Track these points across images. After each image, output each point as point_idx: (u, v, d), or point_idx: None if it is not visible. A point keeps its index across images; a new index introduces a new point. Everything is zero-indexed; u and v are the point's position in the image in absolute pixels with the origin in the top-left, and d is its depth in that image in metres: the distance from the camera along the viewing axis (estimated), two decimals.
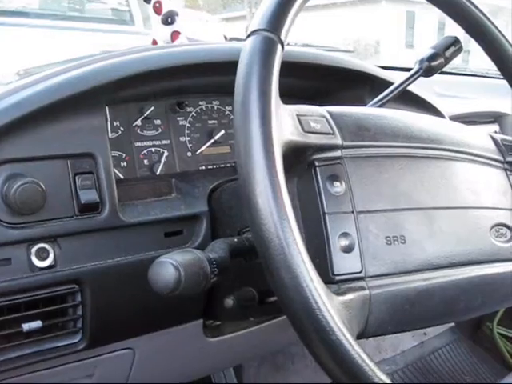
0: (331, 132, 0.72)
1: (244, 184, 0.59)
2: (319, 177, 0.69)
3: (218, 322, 1.08)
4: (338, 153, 0.71)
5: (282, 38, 0.64)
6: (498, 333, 2.09)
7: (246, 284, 0.86)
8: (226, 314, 0.97)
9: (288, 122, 0.66)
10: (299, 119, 0.68)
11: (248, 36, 0.65)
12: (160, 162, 1.02)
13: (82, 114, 0.85)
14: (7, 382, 0.86)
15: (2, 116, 0.80)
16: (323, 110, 0.74)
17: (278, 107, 0.62)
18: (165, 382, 1.13)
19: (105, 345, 0.93)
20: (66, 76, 0.86)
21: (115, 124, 0.99)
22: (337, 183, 0.69)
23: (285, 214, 0.57)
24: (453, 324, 2.08)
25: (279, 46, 0.64)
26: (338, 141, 0.72)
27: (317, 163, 0.70)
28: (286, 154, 0.62)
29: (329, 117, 0.73)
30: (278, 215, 0.57)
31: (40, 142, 0.82)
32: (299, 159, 0.70)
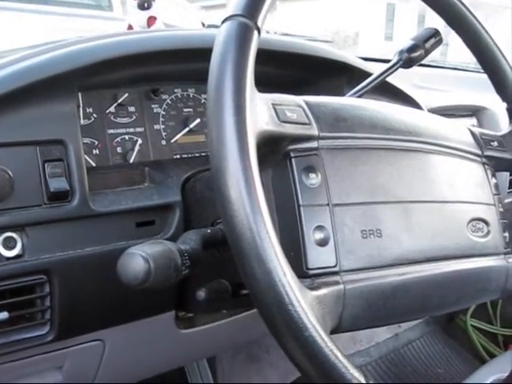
0: (308, 122, 0.70)
1: (216, 174, 0.57)
2: (294, 168, 0.67)
3: (191, 314, 1.06)
4: (314, 144, 0.70)
5: (259, 24, 0.62)
6: (472, 325, 2.10)
7: (219, 276, 0.84)
8: (199, 306, 0.95)
9: (263, 111, 0.64)
10: (275, 108, 0.66)
11: (223, 21, 0.63)
12: (133, 150, 1.00)
13: (52, 99, 0.82)
14: None
15: None
16: (300, 99, 0.72)
17: (253, 95, 0.60)
18: (136, 373, 1.12)
19: (74, 336, 0.90)
20: (37, 59, 0.83)
21: (88, 110, 0.97)
22: (312, 175, 0.68)
23: (258, 207, 0.55)
24: (427, 316, 2.09)
25: (255, 33, 0.62)
26: (315, 131, 0.70)
27: (292, 154, 0.68)
28: (261, 145, 0.61)
29: (305, 106, 0.71)
30: (250, 208, 0.55)
31: (7, 128, 0.79)
32: (274, 150, 0.68)
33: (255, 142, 0.58)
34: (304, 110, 0.71)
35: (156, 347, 1.06)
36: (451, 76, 2.08)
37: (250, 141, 0.57)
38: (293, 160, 0.68)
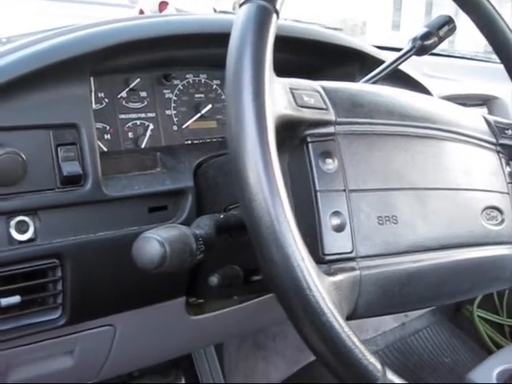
0: (325, 107, 0.69)
1: (235, 158, 0.57)
2: (311, 153, 0.67)
3: (201, 300, 1.06)
4: (331, 129, 0.69)
5: (278, 7, 0.62)
6: (478, 315, 2.10)
7: (231, 262, 0.84)
8: (210, 292, 0.95)
9: (281, 96, 0.63)
10: (292, 93, 0.66)
11: (242, 4, 0.62)
12: (145, 135, 1.00)
13: (65, 83, 0.82)
14: None
15: None
16: (316, 84, 0.72)
17: (271, 79, 0.60)
18: (145, 359, 1.12)
19: (85, 321, 0.91)
20: (50, 43, 0.83)
21: (100, 95, 0.97)
22: (329, 160, 0.67)
23: (276, 191, 0.55)
24: (441, 304, 2.09)
25: (274, 16, 0.61)
26: (332, 117, 0.69)
27: (309, 139, 0.67)
28: (278, 129, 0.60)
29: (322, 92, 0.71)
30: (269, 191, 0.55)
31: (21, 111, 0.79)
32: (291, 135, 0.67)
33: (274, 126, 0.58)
34: (321, 95, 0.70)
35: (166, 333, 1.06)
36: (459, 65, 2.06)
37: (269, 125, 0.57)
38: (310, 145, 0.67)
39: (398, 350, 1.89)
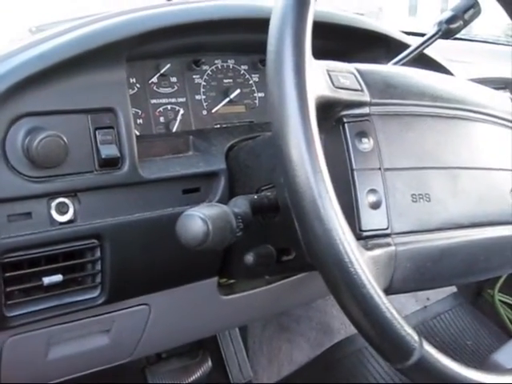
0: (360, 89, 0.71)
1: (277, 135, 0.59)
2: (348, 133, 0.69)
3: (232, 281, 1.09)
4: (366, 110, 0.71)
5: None
6: (499, 300, 2.11)
7: (264, 242, 0.86)
8: (243, 271, 0.97)
9: (319, 77, 0.65)
10: (329, 74, 0.67)
11: None
12: (176, 119, 1.02)
13: (103, 68, 0.84)
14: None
15: (23, 68, 0.79)
16: (351, 66, 0.74)
17: (310, 60, 0.61)
18: (178, 338, 1.15)
19: (122, 300, 0.93)
20: (88, 29, 0.85)
21: (131, 81, 0.99)
22: (365, 140, 0.69)
23: (319, 167, 0.57)
24: (455, 290, 2.10)
25: None
26: (367, 98, 0.71)
27: (345, 120, 0.69)
28: (316, 109, 0.62)
29: (357, 74, 0.73)
30: (311, 167, 0.57)
31: (61, 96, 0.81)
32: (327, 115, 0.69)
33: (315, 105, 0.60)
34: (356, 76, 0.72)
35: (198, 313, 1.09)
36: (479, 49, 2.06)
37: (310, 103, 0.59)
38: (346, 125, 0.69)
39: (420, 333, 1.90)
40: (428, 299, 2.05)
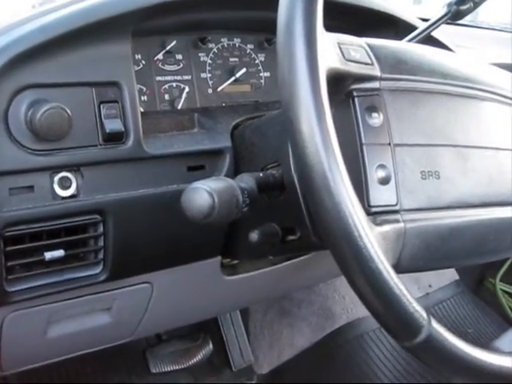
0: (370, 62, 0.70)
1: (287, 106, 0.58)
2: (357, 107, 0.68)
3: (235, 261, 1.08)
4: (376, 84, 0.70)
5: None
6: (501, 289, 2.11)
7: (269, 220, 0.85)
8: (247, 251, 0.96)
9: (330, 49, 0.64)
10: (340, 47, 0.66)
11: None
12: (181, 97, 1.01)
13: (108, 41, 0.83)
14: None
15: (25, 40, 0.78)
16: (362, 40, 0.72)
17: (322, 32, 0.60)
18: (180, 318, 1.14)
19: (124, 277, 0.92)
20: (94, 1, 0.83)
21: (137, 57, 0.98)
22: (375, 114, 0.68)
23: (329, 140, 0.56)
24: (457, 277, 2.10)
25: None
26: (377, 72, 0.70)
27: (355, 93, 0.68)
28: (327, 82, 0.61)
29: (367, 48, 0.71)
30: (322, 140, 0.56)
31: (65, 68, 0.80)
32: (337, 89, 0.68)
33: (326, 76, 0.58)
34: (366, 50, 0.71)
35: (200, 293, 1.08)
36: (487, 36, 2.05)
37: (322, 75, 0.57)
38: (356, 99, 0.68)
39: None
40: (430, 286, 2.04)
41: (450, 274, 2.08)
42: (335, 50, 0.65)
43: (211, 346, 1.60)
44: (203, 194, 0.65)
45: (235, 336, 1.69)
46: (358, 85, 0.68)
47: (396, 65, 0.73)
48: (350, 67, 0.66)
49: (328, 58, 0.62)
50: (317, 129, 0.56)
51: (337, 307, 1.83)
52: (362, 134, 0.67)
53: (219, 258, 1.02)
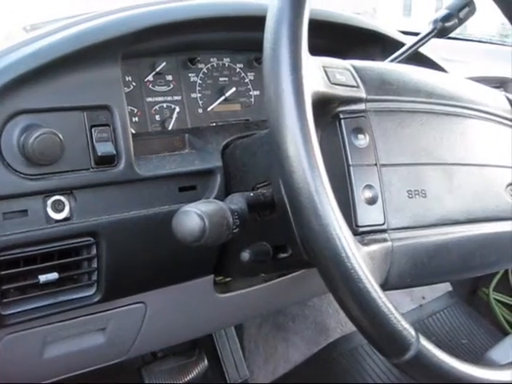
0: (356, 85, 0.71)
1: (274, 131, 0.59)
2: (344, 129, 0.69)
3: (228, 279, 1.09)
4: (362, 106, 0.71)
5: None
6: (494, 298, 2.12)
7: (260, 239, 0.86)
8: (239, 269, 0.97)
9: (315, 73, 0.65)
10: (325, 71, 0.68)
11: None
12: (171, 117, 1.02)
13: (98, 65, 0.84)
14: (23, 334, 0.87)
15: (18, 66, 0.79)
16: (347, 63, 0.74)
17: (307, 56, 0.62)
18: (174, 336, 1.14)
19: (118, 298, 0.93)
20: (83, 27, 0.85)
21: (127, 79, 0.99)
22: (361, 136, 0.69)
23: (315, 162, 0.57)
24: (451, 288, 2.11)
25: None
26: (363, 94, 0.71)
27: (341, 116, 0.70)
28: (313, 105, 0.62)
29: (353, 70, 0.73)
30: (308, 163, 0.57)
31: (57, 93, 0.81)
32: (324, 111, 0.69)
33: (311, 100, 0.60)
34: (352, 73, 0.72)
35: (194, 311, 1.09)
36: (473, 49, 2.07)
37: (307, 99, 0.59)
38: (342, 121, 0.69)
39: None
40: (423, 298, 2.05)
41: (443, 286, 2.09)
42: (320, 74, 0.67)
43: (206, 362, 1.60)
44: (194, 217, 0.66)
45: (230, 351, 1.69)
46: (344, 107, 0.70)
47: (381, 86, 0.74)
48: (336, 90, 0.68)
49: (313, 82, 0.64)
50: (303, 152, 0.57)
51: (331, 321, 1.84)
52: (349, 155, 0.68)
53: (212, 276, 1.03)
